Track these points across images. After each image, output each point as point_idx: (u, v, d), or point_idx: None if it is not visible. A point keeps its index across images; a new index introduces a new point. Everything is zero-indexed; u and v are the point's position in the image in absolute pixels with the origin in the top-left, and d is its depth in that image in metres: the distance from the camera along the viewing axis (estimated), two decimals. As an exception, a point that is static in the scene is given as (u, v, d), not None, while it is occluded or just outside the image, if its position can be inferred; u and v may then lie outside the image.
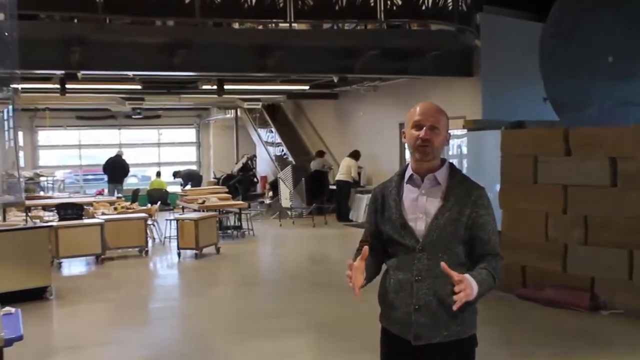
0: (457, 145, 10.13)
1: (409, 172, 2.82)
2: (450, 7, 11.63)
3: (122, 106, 17.87)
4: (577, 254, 7.48)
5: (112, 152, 19.09)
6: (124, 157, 18.69)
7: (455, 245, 2.71)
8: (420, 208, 2.75)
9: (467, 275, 2.54)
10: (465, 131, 10.11)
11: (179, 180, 20.06)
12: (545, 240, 7.78)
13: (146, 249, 11.60)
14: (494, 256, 2.73)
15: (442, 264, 2.52)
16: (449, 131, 2.81)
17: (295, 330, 6.85)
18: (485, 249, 2.73)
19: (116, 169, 18.26)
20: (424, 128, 2.70)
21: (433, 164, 2.77)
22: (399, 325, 2.76)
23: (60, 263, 10.40)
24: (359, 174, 16.27)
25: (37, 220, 10.07)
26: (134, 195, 16.77)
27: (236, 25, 12.08)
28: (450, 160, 2.90)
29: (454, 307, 2.50)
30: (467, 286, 2.50)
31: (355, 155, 15.97)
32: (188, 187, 18.19)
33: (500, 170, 8.32)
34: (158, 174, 19.39)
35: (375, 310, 2.91)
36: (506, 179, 8.29)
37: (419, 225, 2.73)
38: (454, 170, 2.81)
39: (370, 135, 16.66)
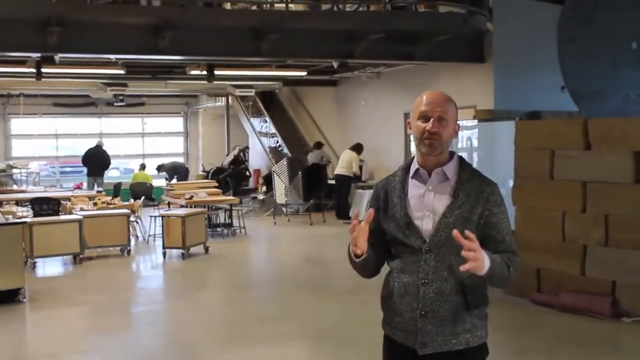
0: (467, 137, 10.12)
1: (414, 166, 2.81)
2: (460, -13, 11.64)
3: (103, 92, 17.86)
4: (597, 256, 7.47)
5: (92, 143, 19.08)
6: (104, 148, 18.68)
7: (465, 246, 2.70)
8: (427, 205, 2.74)
9: (480, 248, 2.52)
10: (475, 122, 10.10)
11: (164, 174, 20.05)
12: (562, 241, 7.78)
13: (128, 248, 11.59)
14: (508, 256, 2.72)
15: (455, 231, 2.49)
16: (458, 122, 2.80)
17: (290, 338, 6.85)
18: (499, 249, 2.72)
19: (96, 160, 18.26)
20: (431, 120, 2.69)
21: (441, 158, 2.76)
22: (404, 332, 2.75)
23: (34, 263, 10.37)
24: (360, 167, 16.27)
25: (10, 216, 10.05)
26: (116, 190, 16.73)
27: (228, 6, 12.08)
28: (459, 154, 2.89)
29: (462, 268, 2.48)
30: (479, 250, 2.48)
31: (357, 148, 15.96)
32: (174, 181, 18.19)
33: (514, 165, 8.32)
34: (142, 167, 19.39)
35: (377, 315, 2.90)
36: (520, 175, 8.29)
37: (426, 224, 2.73)
38: (463, 164, 2.81)
39: (373, 126, 16.66)
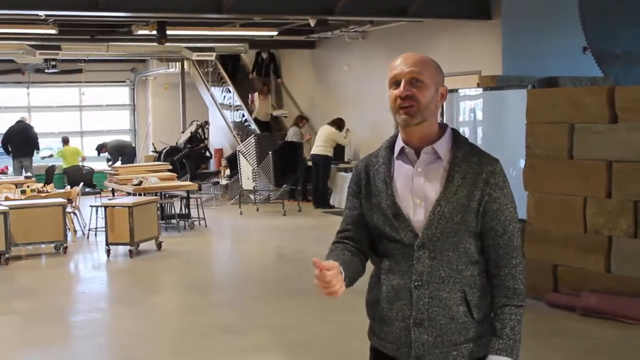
0: (470, 108, 10.13)
1: (399, 144, 2.80)
2: None
3: (31, 57, 17.68)
4: (624, 250, 7.52)
5: (16, 118, 18.90)
6: (31, 124, 18.50)
7: (464, 239, 2.72)
8: (417, 192, 2.74)
9: None
10: (480, 90, 10.11)
11: (106, 155, 19.93)
12: (583, 232, 7.82)
13: (65, 244, 11.55)
14: (510, 261, 2.73)
15: None
16: (445, 85, 2.78)
17: (260, 350, 6.87)
18: (498, 245, 2.73)
19: (22, 139, 18.12)
20: (402, 82, 2.69)
21: (427, 132, 2.75)
22: (395, 344, 2.78)
23: (-50, 264, 10.35)
24: (342, 146, 16.25)
25: None
26: (48, 175, 16.67)
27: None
28: (460, 129, 2.88)
29: None
30: None
31: (337, 123, 15.92)
32: (118, 163, 18.10)
33: (526, 142, 8.35)
34: (65, 140, 19.03)
35: (363, 323, 2.92)
36: (533, 153, 8.32)
37: (417, 215, 2.73)
38: (458, 139, 2.80)
39: (358, 96, 16.65)
